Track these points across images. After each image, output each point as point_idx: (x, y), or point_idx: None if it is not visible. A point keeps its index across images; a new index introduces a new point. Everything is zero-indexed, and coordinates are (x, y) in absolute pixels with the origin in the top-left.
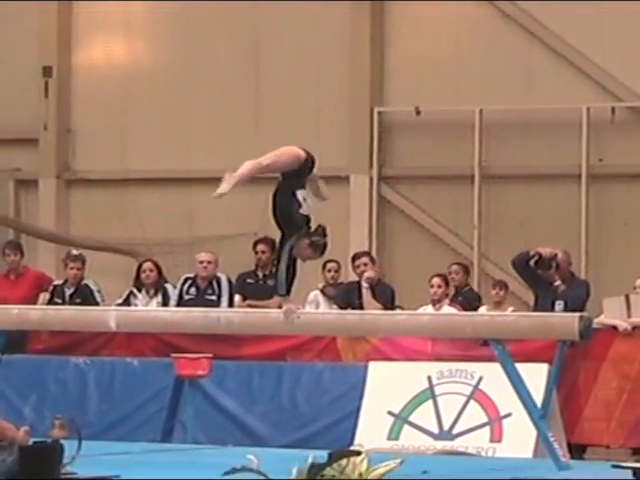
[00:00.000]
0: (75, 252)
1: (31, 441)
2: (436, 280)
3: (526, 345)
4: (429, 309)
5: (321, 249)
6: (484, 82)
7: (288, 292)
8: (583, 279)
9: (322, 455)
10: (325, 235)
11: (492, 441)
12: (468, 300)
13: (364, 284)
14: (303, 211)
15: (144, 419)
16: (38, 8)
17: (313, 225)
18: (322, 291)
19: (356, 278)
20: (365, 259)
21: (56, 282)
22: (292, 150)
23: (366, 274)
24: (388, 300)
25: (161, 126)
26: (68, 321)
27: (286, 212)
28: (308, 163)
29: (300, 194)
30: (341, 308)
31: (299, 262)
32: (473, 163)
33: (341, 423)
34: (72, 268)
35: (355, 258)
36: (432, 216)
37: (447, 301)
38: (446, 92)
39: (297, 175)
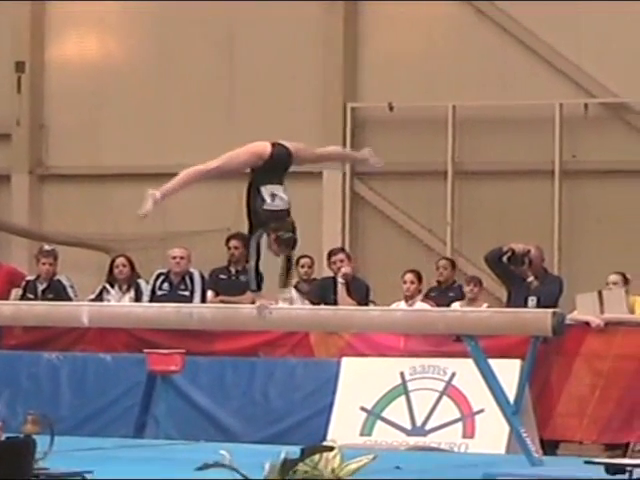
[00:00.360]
0: (47, 247)
1: (3, 436)
2: (409, 276)
3: (499, 341)
4: (402, 305)
5: (288, 244)
6: (458, 78)
7: (259, 288)
8: (556, 275)
9: (295, 451)
10: (293, 230)
11: (465, 437)
12: (457, 297)
13: (340, 280)
14: (268, 207)
15: (117, 414)
16: (12, 4)
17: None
18: (295, 287)
19: (330, 274)
20: (341, 255)
21: (29, 277)
22: (253, 147)
23: (342, 270)
24: (362, 296)
25: (135, 121)
26: (41, 316)
27: (251, 207)
28: (279, 158)
29: (266, 190)
30: (314, 304)
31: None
32: (446, 159)
33: (314, 419)
34: (44, 263)
35: (331, 254)
36: (405, 212)
37: (420, 297)
38: (419, 88)
39: (266, 170)
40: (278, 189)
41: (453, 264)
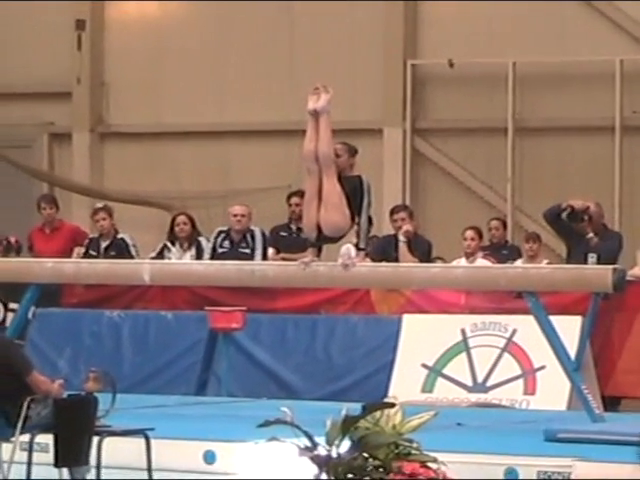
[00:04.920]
0: (99, 204)
1: (66, 394)
2: (469, 233)
3: (560, 298)
4: (462, 262)
5: None
6: (517, 35)
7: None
8: (616, 231)
9: (356, 407)
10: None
11: (526, 394)
12: (511, 256)
13: (401, 238)
14: None
15: (178, 372)
16: None
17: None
18: (356, 245)
19: (392, 231)
20: (403, 214)
21: (92, 235)
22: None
23: (404, 227)
24: (425, 254)
25: (194, 79)
26: (102, 274)
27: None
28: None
29: None
30: (375, 262)
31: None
32: (506, 116)
33: (375, 376)
34: (99, 219)
35: (393, 212)
36: (466, 169)
37: (481, 254)
38: (480, 45)
39: None
40: None
41: (504, 224)
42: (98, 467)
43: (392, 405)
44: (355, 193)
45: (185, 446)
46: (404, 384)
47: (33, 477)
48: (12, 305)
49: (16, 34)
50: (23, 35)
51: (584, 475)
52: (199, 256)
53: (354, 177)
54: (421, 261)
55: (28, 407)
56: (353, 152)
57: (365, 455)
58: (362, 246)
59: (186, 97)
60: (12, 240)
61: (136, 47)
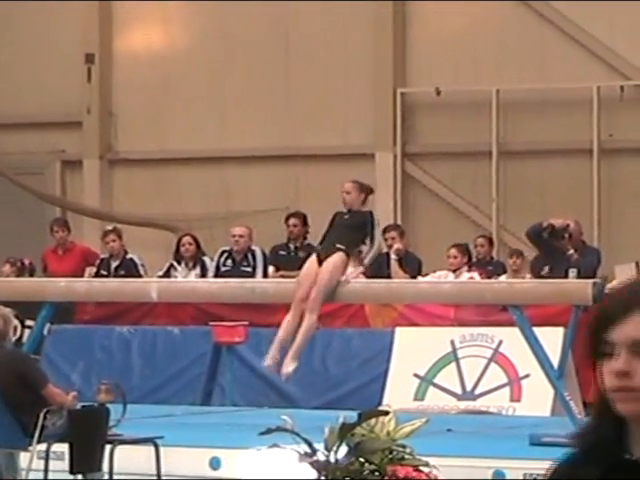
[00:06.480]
0: (109, 227)
1: (79, 405)
2: (452, 251)
3: (543, 310)
4: (450, 277)
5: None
6: (500, 64)
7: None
8: (594, 247)
9: (352, 415)
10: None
11: (512, 400)
12: (496, 271)
13: (393, 256)
14: None
15: (185, 383)
16: (81, 3)
17: None
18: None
19: (384, 249)
20: (394, 232)
21: (103, 256)
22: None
23: (395, 246)
24: (415, 270)
25: (198, 108)
26: (113, 292)
27: None
28: None
29: None
30: (369, 278)
31: None
32: (491, 140)
33: (370, 385)
34: (110, 241)
35: (385, 231)
36: (453, 190)
37: (466, 268)
38: (464, 73)
39: None
40: None
41: (490, 241)
42: (110, 473)
43: (386, 413)
44: (363, 225)
45: (192, 453)
46: (397, 393)
47: None
48: (28, 322)
49: (30, 67)
50: (37, 68)
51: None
52: (203, 274)
53: (365, 212)
54: (412, 277)
55: (44, 418)
56: (365, 189)
57: (361, 460)
58: (366, 263)
59: (189, 125)
60: (26, 262)
61: (142, 79)
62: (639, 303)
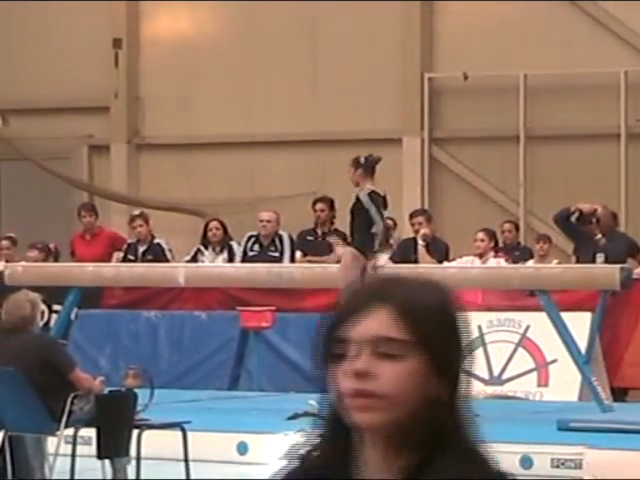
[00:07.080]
0: (136, 212)
1: (106, 390)
2: (480, 235)
3: (570, 295)
4: (477, 262)
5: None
6: (527, 49)
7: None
8: (623, 232)
9: None
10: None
11: (539, 385)
12: (523, 256)
13: (420, 241)
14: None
15: (212, 368)
16: None
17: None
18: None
19: (411, 235)
20: (421, 218)
21: (130, 241)
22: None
23: (422, 231)
24: (442, 255)
25: (224, 93)
26: (140, 277)
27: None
28: None
29: None
30: (396, 264)
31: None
32: (518, 125)
33: None
34: (137, 226)
35: (412, 216)
36: (480, 175)
37: (492, 254)
38: (492, 58)
39: None
40: None
41: (517, 226)
42: (138, 458)
43: None
44: (358, 212)
45: (219, 438)
46: None
47: (77, 468)
48: (56, 307)
49: (58, 53)
50: (65, 54)
51: (595, 461)
52: (231, 259)
53: (355, 201)
54: (439, 262)
55: (72, 403)
56: (358, 164)
57: None
58: (376, 248)
59: (216, 110)
60: (51, 247)
61: (169, 63)
62: (381, 297)
